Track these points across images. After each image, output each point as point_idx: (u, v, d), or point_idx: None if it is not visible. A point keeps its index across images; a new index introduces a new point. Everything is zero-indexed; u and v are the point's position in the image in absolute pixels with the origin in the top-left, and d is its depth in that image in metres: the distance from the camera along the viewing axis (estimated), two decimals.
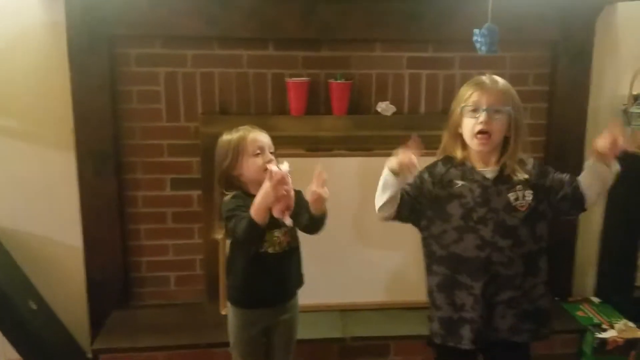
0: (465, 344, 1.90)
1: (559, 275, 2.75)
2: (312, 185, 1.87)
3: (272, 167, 1.78)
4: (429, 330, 2.01)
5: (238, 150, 1.96)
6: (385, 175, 1.84)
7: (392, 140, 2.56)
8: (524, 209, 1.85)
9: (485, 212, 1.85)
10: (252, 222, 1.79)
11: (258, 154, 1.96)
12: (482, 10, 1.97)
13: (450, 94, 2.63)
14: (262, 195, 1.77)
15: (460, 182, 1.88)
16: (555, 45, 2.65)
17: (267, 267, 1.98)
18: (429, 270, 1.97)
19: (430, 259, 1.95)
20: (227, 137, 2.01)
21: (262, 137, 2.00)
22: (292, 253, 2.04)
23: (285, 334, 2.11)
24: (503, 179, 1.87)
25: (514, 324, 1.90)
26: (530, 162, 1.91)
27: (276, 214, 1.80)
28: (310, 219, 1.96)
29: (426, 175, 1.92)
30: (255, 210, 1.78)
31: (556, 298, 2.78)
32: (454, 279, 1.89)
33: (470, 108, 1.85)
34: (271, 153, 1.99)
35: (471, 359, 2.00)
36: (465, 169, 1.89)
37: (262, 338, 2.08)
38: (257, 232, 1.82)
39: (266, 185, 1.76)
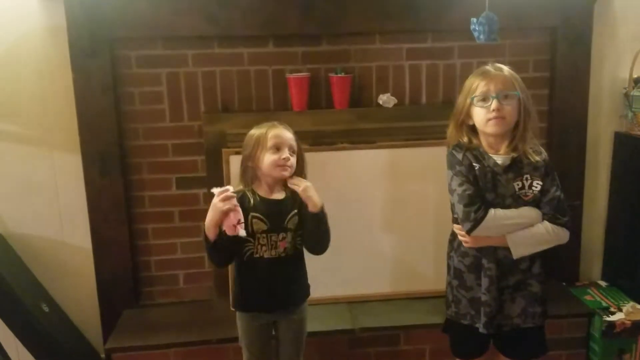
0: (480, 327, 1.94)
1: (565, 259, 2.77)
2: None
3: (214, 189, 1.88)
4: (449, 315, 2.05)
5: (258, 143, 1.99)
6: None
7: (394, 132, 2.62)
8: (527, 198, 1.89)
9: (493, 197, 1.88)
10: (204, 237, 1.92)
11: (276, 149, 1.97)
12: None
13: (450, 84, 2.65)
14: (210, 211, 1.88)
15: (477, 165, 1.90)
16: (554, 31, 2.65)
17: (260, 272, 2.01)
18: (459, 252, 1.99)
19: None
20: (253, 130, 2.05)
21: (284, 135, 2.00)
22: (289, 260, 2.03)
23: (292, 330, 2.12)
24: (513, 167, 1.89)
25: (524, 308, 1.94)
26: (543, 154, 1.93)
27: (228, 230, 1.86)
28: (308, 232, 2.01)
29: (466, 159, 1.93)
30: (205, 227, 1.90)
31: (563, 283, 2.80)
32: (479, 260, 1.93)
33: (479, 98, 1.86)
34: (293, 153, 2.00)
35: (485, 343, 2.04)
36: (477, 153, 1.91)
37: (270, 331, 2.11)
38: (209, 247, 1.92)
39: (214, 201, 1.86)
